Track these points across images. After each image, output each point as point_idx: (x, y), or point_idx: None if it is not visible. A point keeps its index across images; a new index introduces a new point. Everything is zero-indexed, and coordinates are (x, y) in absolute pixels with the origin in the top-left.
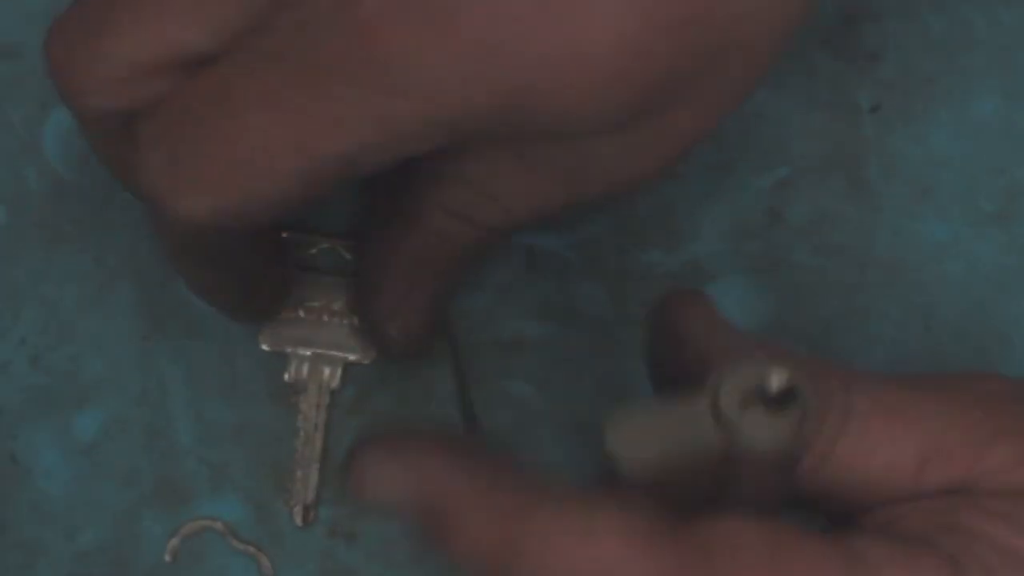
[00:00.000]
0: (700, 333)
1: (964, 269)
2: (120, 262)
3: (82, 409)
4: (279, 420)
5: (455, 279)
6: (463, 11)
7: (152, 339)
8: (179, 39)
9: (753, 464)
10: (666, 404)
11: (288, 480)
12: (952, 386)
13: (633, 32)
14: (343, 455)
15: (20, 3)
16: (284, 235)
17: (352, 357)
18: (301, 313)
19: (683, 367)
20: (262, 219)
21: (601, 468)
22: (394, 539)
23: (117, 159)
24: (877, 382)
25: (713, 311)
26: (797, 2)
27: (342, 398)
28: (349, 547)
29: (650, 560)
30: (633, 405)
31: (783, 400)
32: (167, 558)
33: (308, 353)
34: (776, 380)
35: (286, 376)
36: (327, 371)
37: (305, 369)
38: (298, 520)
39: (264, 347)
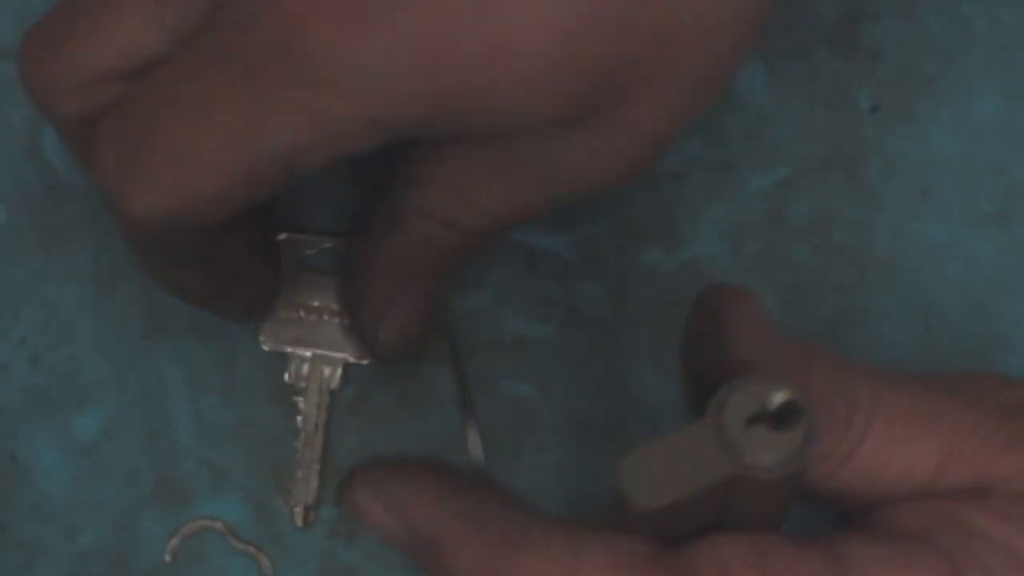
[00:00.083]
0: (741, 333)
1: (964, 269)
2: (120, 262)
3: (82, 409)
4: (279, 420)
5: (443, 281)
6: (390, 8)
7: (152, 339)
8: (134, 43)
9: (756, 482)
10: (673, 433)
11: (288, 480)
12: (970, 391)
13: (564, 26)
14: (343, 457)
15: (20, 3)
16: (283, 236)
17: (352, 357)
18: (301, 313)
19: (719, 366)
20: (210, 219)
21: (610, 497)
22: None
23: (89, 162)
24: (901, 382)
25: (757, 310)
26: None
27: (342, 398)
28: (349, 547)
29: None
30: (644, 443)
31: (786, 418)
32: (167, 558)
33: (308, 354)
34: (777, 398)
35: (286, 376)
36: (327, 371)
37: (305, 369)
38: (299, 521)
39: (264, 347)
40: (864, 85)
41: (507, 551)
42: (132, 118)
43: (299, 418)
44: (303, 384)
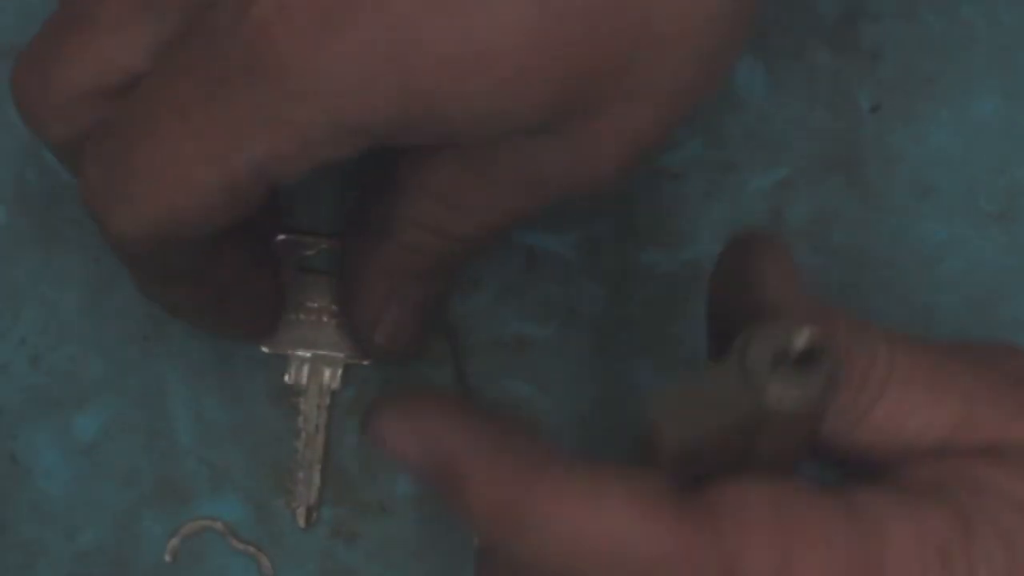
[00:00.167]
0: (773, 277)
1: (964, 269)
2: (120, 262)
3: (82, 409)
4: (279, 420)
5: (439, 284)
6: (356, 12)
7: (152, 339)
8: (114, 61)
9: (779, 425)
10: (699, 373)
11: (289, 481)
12: (984, 358)
13: (534, 26)
14: (344, 457)
15: (20, 3)
16: (282, 237)
17: (352, 358)
18: (301, 315)
19: (747, 309)
20: (194, 234)
21: (632, 444)
22: (394, 539)
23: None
24: (917, 346)
25: (789, 258)
26: None
27: (342, 399)
28: (349, 547)
29: (655, 523)
30: (673, 382)
31: (809, 360)
32: (167, 558)
33: (308, 355)
34: (802, 340)
35: (286, 378)
36: (327, 372)
37: (305, 371)
38: (301, 522)
39: (264, 349)
40: (864, 85)
41: (528, 479)
42: (111, 138)
43: (300, 419)
44: (303, 385)
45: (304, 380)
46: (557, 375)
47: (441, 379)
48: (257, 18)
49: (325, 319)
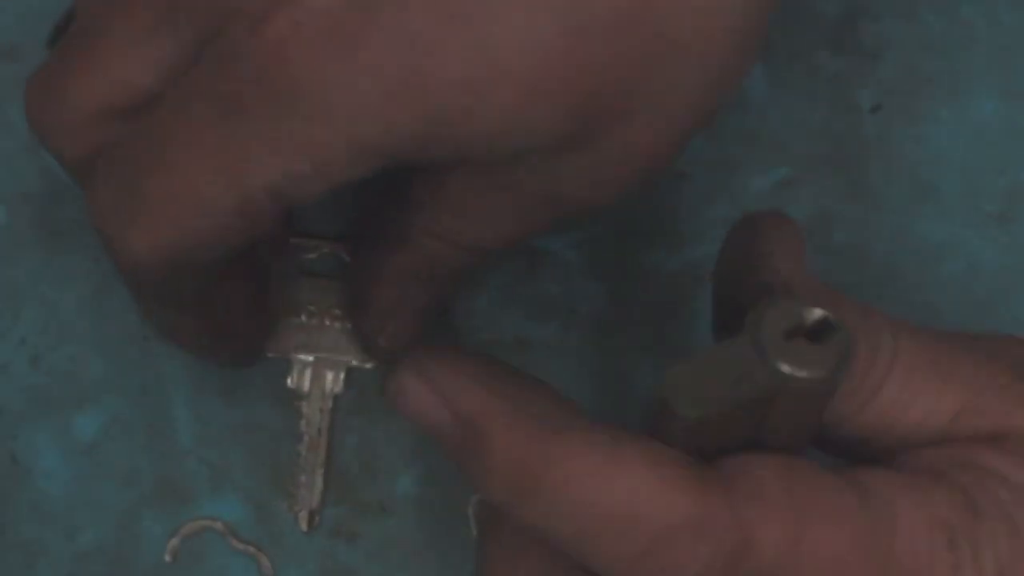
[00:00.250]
0: (783, 255)
1: (964, 269)
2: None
3: (82, 409)
4: (279, 420)
5: (445, 290)
6: (372, 30)
7: (152, 339)
8: (126, 80)
9: (791, 400)
10: (712, 348)
11: (291, 485)
12: (986, 348)
13: (551, 40)
14: (345, 458)
15: (20, 3)
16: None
17: (354, 361)
18: (303, 317)
19: (755, 287)
20: (208, 257)
21: (643, 420)
22: (394, 539)
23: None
24: (919, 333)
25: (800, 238)
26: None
27: (344, 401)
28: (349, 547)
29: (674, 491)
30: (686, 359)
31: (822, 333)
32: (167, 558)
33: (310, 358)
34: (814, 314)
35: (289, 381)
36: (330, 375)
37: (308, 374)
38: (303, 525)
39: (267, 354)
40: (864, 85)
41: (548, 439)
42: (125, 159)
43: (302, 422)
44: (306, 388)
45: (306, 384)
46: (557, 375)
47: None
48: (271, 37)
49: (327, 322)
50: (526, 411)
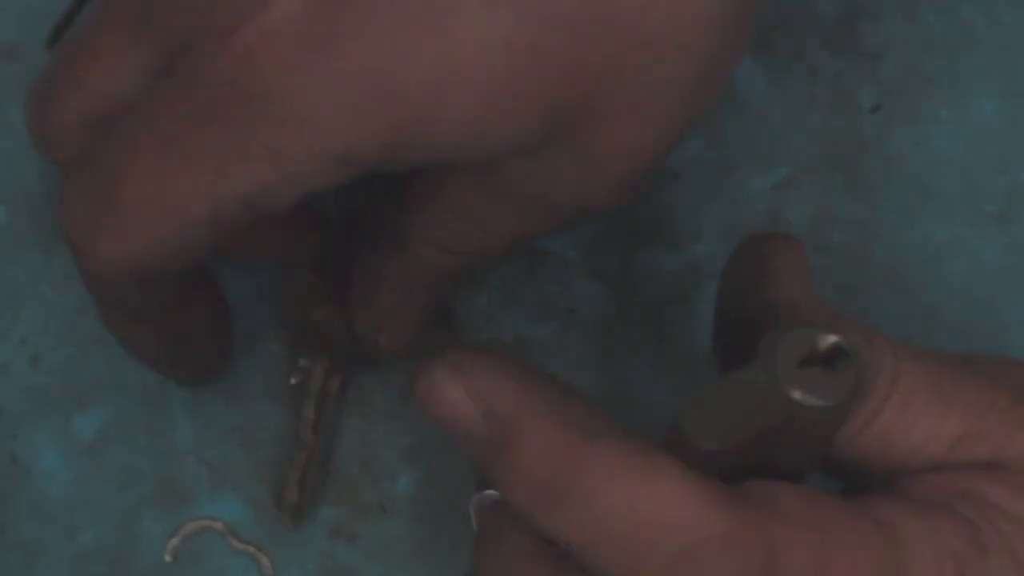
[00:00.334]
0: (789, 275)
1: (964, 269)
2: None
3: (82, 409)
4: (279, 420)
5: (444, 292)
6: (338, 37)
7: None
8: (107, 91)
9: (804, 428)
10: (726, 378)
11: (289, 483)
12: (987, 371)
13: (512, 35)
14: (344, 458)
15: (20, 3)
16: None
17: (354, 362)
18: (304, 318)
19: (760, 306)
20: (176, 264)
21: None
22: (394, 539)
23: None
24: (921, 356)
25: (805, 259)
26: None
27: (343, 401)
28: (349, 547)
29: (706, 505)
30: (700, 388)
31: (835, 360)
32: (167, 558)
33: (311, 359)
34: (827, 341)
35: (292, 380)
36: (330, 376)
37: (308, 375)
38: (287, 522)
39: (273, 347)
40: (864, 85)
41: (583, 442)
42: (94, 168)
43: (301, 423)
44: (305, 388)
45: (306, 384)
46: (557, 375)
47: None
48: (239, 46)
49: (328, 323)
50: (562, 415)
